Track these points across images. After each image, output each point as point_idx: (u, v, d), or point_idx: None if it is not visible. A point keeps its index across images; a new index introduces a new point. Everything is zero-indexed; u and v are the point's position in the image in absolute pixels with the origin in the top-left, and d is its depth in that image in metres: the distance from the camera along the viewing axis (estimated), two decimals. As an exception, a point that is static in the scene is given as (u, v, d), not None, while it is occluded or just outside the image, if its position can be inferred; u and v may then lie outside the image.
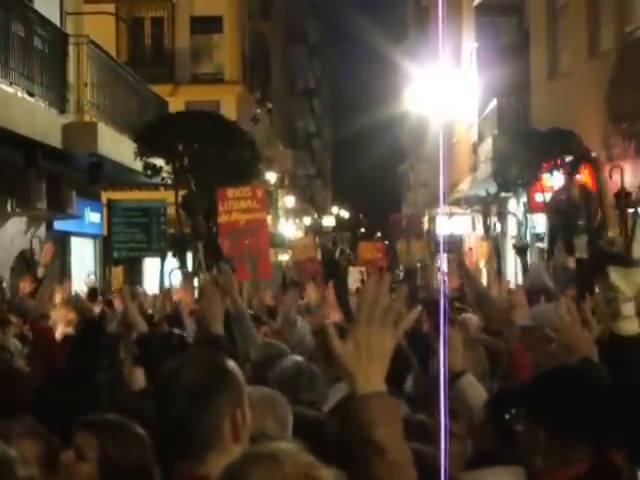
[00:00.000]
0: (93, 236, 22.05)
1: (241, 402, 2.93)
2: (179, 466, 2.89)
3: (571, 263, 14.12)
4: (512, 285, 17.84)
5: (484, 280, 9.51)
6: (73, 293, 15.07)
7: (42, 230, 17.90)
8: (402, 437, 2.49)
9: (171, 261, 19.54)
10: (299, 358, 5.44)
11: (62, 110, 16.70)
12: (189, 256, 19.07)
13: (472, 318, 7.51)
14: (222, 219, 13.88)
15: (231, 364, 3.01)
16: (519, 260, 21.68)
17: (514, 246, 21.43)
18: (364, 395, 2.48)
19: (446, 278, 9.17)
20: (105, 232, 22.71)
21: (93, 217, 21.34)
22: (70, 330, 8.94)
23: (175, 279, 15.34)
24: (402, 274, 31.05)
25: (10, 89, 14.27)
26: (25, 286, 12.31)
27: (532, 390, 3.29)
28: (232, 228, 13.58)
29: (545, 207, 19.68)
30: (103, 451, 3.52)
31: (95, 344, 6.77)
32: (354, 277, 21.87)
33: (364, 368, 2.50)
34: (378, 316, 2.52)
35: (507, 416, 3.26)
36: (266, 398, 3.96)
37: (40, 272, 14.25)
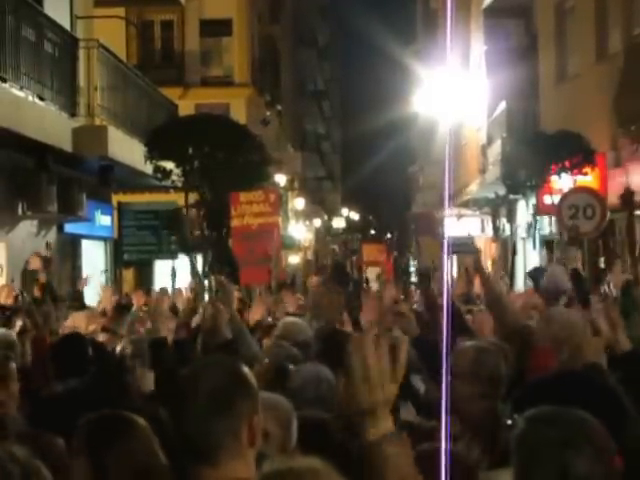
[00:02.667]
0: (104, 239, 22.10)
1: (257, 407, 2.98)
2: (195, 470, 2.91)
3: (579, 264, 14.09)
4: (522, 287, 17.89)
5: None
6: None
7: (53, 233, 17.97)
8: (414, 473, 2.52)
9: (182, 263, 19.58)
10: (319, 366, 5.23)
11: (72, 114, 16.77)
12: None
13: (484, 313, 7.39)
14: (234, 223, 13.91)
15: (247, 370, 3.05)
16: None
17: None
18: (376, 441, 2.48)
19: (454, 281, 9.14)
20: (116, 235, 22.78)
21: (104, 220, 21.38)
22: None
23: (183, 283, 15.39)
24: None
25: (21, 93, 14.35)
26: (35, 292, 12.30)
27: (529, 397, 3.33)
28: (244, 232, 13.62)
29: (554, 209, 19.68)
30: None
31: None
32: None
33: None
34: (387, 377, 2.51)
35: (509, 422, 3.29)
36: (267, 401, 3.99)
37: (42, 278, 14.21)
